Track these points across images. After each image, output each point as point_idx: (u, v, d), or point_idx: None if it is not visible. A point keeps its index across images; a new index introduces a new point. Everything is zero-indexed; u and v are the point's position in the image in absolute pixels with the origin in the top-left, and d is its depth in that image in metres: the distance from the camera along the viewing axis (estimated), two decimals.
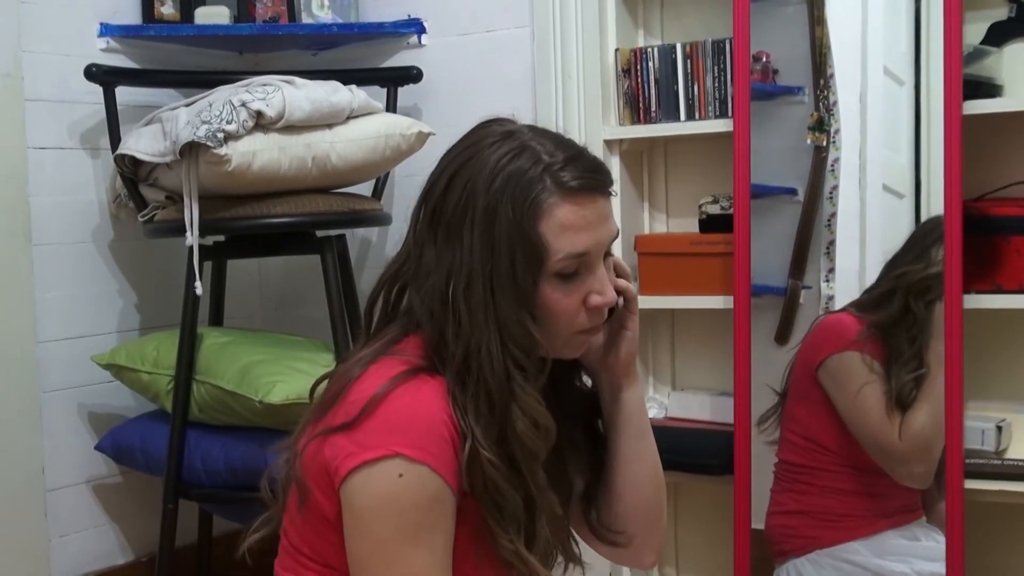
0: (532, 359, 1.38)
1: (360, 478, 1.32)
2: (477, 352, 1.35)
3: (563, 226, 1.36)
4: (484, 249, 1.36)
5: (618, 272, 1.49)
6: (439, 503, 1.33)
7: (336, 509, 1.36)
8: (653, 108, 2.80)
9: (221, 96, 2.52)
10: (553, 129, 1.46)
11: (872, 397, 2.43)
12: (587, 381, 1.57)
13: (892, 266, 2.54)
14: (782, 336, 2.72)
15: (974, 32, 2.51)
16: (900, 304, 2.47)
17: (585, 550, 1.57)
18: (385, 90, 2.95)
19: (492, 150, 1.40)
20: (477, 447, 1.33)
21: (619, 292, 1.48)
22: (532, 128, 1.44)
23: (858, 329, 2.48)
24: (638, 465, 1.54)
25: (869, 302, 2.53)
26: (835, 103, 2.66)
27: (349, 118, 2.64)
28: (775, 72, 2.72)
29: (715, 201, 2.76)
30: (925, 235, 2.50)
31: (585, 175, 1.38)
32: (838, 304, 2.65)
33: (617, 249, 1.47)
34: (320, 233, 2.72)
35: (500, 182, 1.37)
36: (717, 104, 2.72)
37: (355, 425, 1.33)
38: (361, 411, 1.33)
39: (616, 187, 1.47)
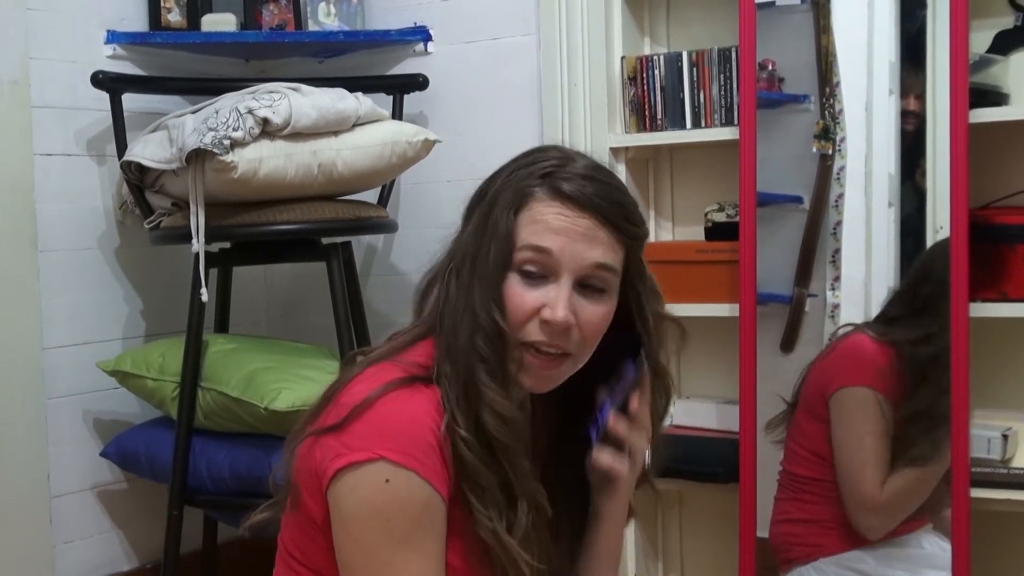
0: (496, 352, 1.37)
1: (346, 481, 1.32)
2: (454, 331, 1.38)
3: (535, 219, 1.38)
4: (478, 231, 1.40)
5: (632, 418, 1.47)
6: (427, 510, 1.32)
7: (323, 512, 1.36)
8: (659, 116, 2.80)
9: (227, 103, 2.52)
10: (597, 161, 1.45)
11: (871, 447, 2.42)
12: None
13: (922, 286, 2.51)
14: (788, 344, 2.71)
15: (980, 40, 2.51)
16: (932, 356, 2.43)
17: None
18: (391, 97, 2.95)
19: (530, 156, 1.44)
20: (455, 427, 1.34)
21: (620, 443, 1.46)
22: (579, 154, 1.44)
23: (878, 362, 2.46)
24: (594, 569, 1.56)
25: (902, 336, 2.47)
26: (841, 111, 2.66)
27: (355, 125, 2.65)
28: (781, 80, 2.72)
29: (721, 209, 2.76)
30: None
31: (582, 188, 1.37)
32: (843, 314, 2.65)
33: None
34: (326, 240, 2.72)
35: (512, 173, 1.41)
36: (723, 112, 2.72)
37: (343, 426, 1.34)
38: (350, 413, 1.33)
39: None
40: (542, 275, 1.37)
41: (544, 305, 1.37)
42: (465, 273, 1.39)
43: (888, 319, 2.54)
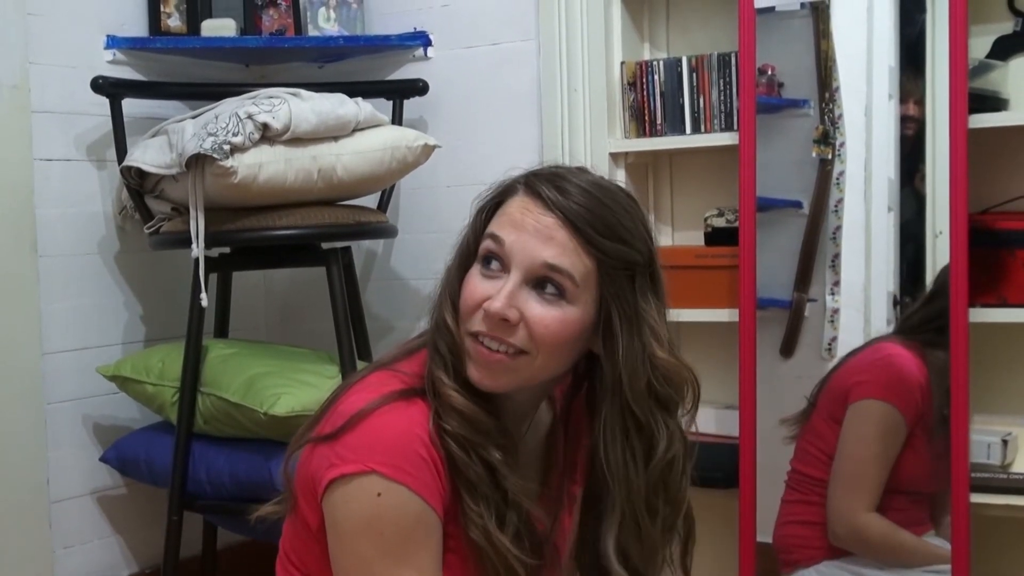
0: (449, 348, 1.39)
1: (340, 493, 1.32)
2: (431, 318, 1.42)
3: (504, 212, 1.39)
4: (468, 227, 1.44)
5: None
6: (421, 524, 1.32)
7: (318, 520, 1.37)
8: (659, 121, 2.80)
9: (227, 108, 2.52)
10: (607, 184, 1.43)
11: (874, 466, 2.44)
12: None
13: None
14: (787, 349, 2.71)
15: (979, 46, 2.51)
16: None
17: None
18: (391, 102, 2.95)
19: (541, 165, 1.45)
20: (439, 423, 1.35)
21: None
22: (589, 173, 1.43)
23: (906, 378, 2.46)
24: None
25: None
26: (840, 116, 2.66)
27: (355, 130, 2.65)
28: (780, 85, 2.72)
29: (720, 214, 2.76)
30: None
31: (560, 192, 1.36)
32: (843, 318, 2.65)
33: None
34: (325, 245, 2.72)
35: (514, 176, 1.43)
36: (723, 117, 2.72)
37: (338, 436, 1.34)
38: (346, 423, 1.34)
39: None
40: (501, 269, 1.37)
41: (490, 297, 1.36)
42: (451, 263, 1.44)
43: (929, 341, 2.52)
